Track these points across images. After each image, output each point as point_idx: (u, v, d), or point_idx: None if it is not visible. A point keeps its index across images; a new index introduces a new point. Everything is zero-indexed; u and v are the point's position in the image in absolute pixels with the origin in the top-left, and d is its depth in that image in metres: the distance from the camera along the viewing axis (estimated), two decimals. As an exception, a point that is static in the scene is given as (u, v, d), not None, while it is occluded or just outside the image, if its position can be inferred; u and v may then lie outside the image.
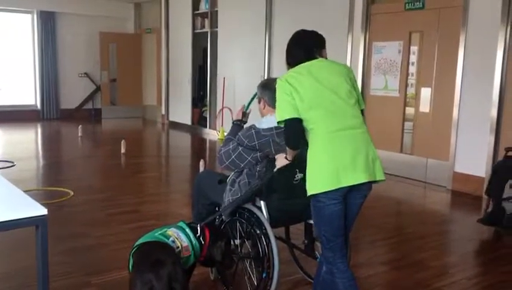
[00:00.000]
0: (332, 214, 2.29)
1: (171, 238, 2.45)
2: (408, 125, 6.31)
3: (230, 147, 2.77)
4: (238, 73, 8.94)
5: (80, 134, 9.00)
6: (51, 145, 8.73)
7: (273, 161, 2.65)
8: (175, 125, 10.63)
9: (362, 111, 2.48)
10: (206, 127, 9.92)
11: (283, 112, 2.32)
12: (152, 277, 2.08)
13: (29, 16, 11.04)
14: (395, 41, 6.26)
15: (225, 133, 9.08)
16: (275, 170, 2.60)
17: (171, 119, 10.99)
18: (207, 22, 9.64)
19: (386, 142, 6.47)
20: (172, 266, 2.14)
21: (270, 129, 2.64)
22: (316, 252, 2.95)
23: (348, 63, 6.79)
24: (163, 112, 11.24)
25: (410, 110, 6.28)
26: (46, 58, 11.08)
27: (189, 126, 10.26)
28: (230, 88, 9.09)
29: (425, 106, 6.01)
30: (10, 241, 3.50)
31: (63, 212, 4.45)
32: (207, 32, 9.65)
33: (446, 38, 5.70)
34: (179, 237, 2.49)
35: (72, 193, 4.95)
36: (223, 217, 2.86)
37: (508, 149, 4.38)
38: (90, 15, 11.42)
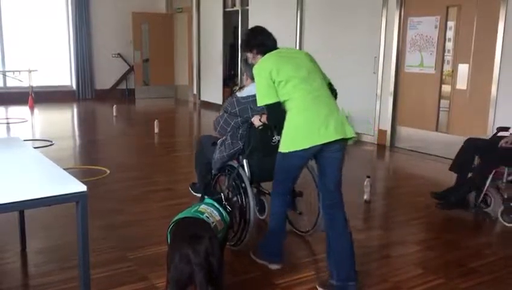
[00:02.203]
0: (294, 166, 2.81)
1: (205, 214, 2.50)
2: (444, 103, 6.15)
3: (220, 114, 3.28)
4: (269, 51, 8.87)
5: (114, 114, 9.19)
6: (87, 125, 8.95)
7: (252, 125, 3.12)
8: (206, 105, 10.69)
9: (329, 82, 2.93)
10: (237, 106, 9.94)
11: (264, 96, 2.74)
12: (190, 252, 2.14)
13: (63, -3, 11.22)
14: (431, 16, 6.07)
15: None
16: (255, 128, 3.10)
17: (202, 98, 11.06)
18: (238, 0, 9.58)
19: (421, 121, 6.35)
20: (209, 241, 2.20)
21: (248, 97, 3.14)
22: (297, 205, 3.50)
23: (382, 39, 6.65)
24: (194, 91, 11.32)
25: (446, 88, 6.12)
26: (80, 39, 11.28)
27: (220, 105, 10.30)
28: (262, 67, 9.04)
29: (462, 83, 5.84)
30: (51, 216, 3.64)
31: (99, 190, 4.58)
32: (238, 10, 9.60)
33: (485, 13, 5.49)
34: (212, 212, 2.57)
35: (108, 171, 5.08)
36: (213, 171, 3.38)
37: (500, 129, 4.19)
38: (123, -5, 11.51)
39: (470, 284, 2.87)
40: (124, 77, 12.02)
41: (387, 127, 6.76)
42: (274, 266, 2.95)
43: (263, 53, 2.90)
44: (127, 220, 3.76)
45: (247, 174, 3.19)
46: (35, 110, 9.77)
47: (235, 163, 3.25)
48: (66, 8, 11.25)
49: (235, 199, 3.13)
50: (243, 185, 3.14)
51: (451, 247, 3.40)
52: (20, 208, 1.91)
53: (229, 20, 10.04)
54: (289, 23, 8.22)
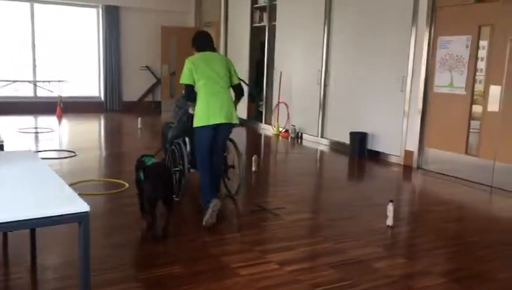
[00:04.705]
0: (203, 137, 4.12)
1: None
2: (474, 125, 5.91)
3: (173, 108, 4.95)
4: (295, 67, 8.80)
5: (139, 126, 9.22)
6: (112, 137, 9.00)
7: (186, 113, 4.54)
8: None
9: (239, 84, 4.37)
10: (261, 121, 9.86)
11: (184, 79, 4.12)
12: (159, 182, 3.61)
13: (94, 10, 11.44)
14: (462, 36, 5.87)
15: (280, 129, 9.01)
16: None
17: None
18: (265, 15, 9.56)
19: (449, 143, 6.12)
20: (168, 175, 3.80)
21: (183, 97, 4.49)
22: (228, 174, 4.88)
23: (411, 59, 6.48)
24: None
25: (477, 109, 5.88)
26: (109, 51, 11.45)
27: (245, 120, 10.25)
28: (287, 83, 8.97)
29: (494, 105, 5.60)
30: (64, 229, 3.59)
31: (116, 204, 4.53)
32: (265, 26, 9.56)
33: (520, 32, 5.27)
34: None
35: (127, 185, 5.03)
36: (167, 146, 4.81)
37: None
38: (153, 9, 11.66)
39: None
40: (151, 90, 12.12)
41: (414, 147, 6.54)
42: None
43: (198, 51, 4.26)
44: (140, 237, 3.68)
45: (188, 147, 4.55)
46: (63, 120, 9.91)
47: (179, 140, 4.59)
48: (97, 21, 11.47)
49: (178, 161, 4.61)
50: (183, 156, 4.53)
51: (480, 280, 3.19)
52: (13, 228, 1.82)
53: (256, 35, 10.01)
54: (316, 39, 8.13)
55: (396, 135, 6.77)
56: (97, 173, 5.79)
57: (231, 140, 4.56)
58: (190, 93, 4.14)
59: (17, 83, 10.69)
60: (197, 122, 4.08)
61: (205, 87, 4.05)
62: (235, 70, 4.30)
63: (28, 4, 10.69)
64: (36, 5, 10.79)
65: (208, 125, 4.04)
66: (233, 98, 4.33)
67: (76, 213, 1.92)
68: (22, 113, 10.34)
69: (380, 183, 5.87)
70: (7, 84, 10.44)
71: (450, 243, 3.86)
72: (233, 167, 4.78)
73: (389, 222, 4.11)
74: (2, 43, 10.64)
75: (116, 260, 3.22)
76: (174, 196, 4.06)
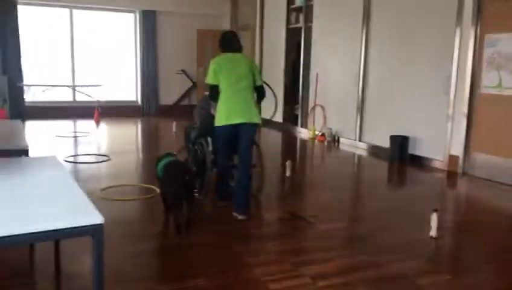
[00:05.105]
0: (223, 136, 4.25)
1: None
2: (526, 128, 5.51)
3: (196, 109, 5.17)
4: (332, 69, 8.54)
5: (174, 130, 9.19)
6: (146, 141, 9.00)
7: (208, 114, 4.58)
8: (266, 123, 10.43)
9: (262, 86, 4.39)
10: (297, 125, 9.64)
11: (210, 79, 4.22)
12: (182, 180, 3.74)
13: (132, 15, 11.54)
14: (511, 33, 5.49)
15: (316, 132, 8.76)
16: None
17: (262, 116, 10.80)
18: (301, 16, 9.34)
19: (498, 147, 5.73)
20: (188, 173, 3.89)
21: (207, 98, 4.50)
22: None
23: (455, 58, 6.12)
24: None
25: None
26: (146, 55, 11.52)
27: (281, 124, 10.06)
28: (324, 84, 8.72)
29: (548, 107, 5.19)
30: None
31: (145, 210, 4.43)
32: (301, 27, 9.35)
33: None
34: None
35: (158, 190, 4.93)
36: (190, 146, 4.92)
37: None
38: (189, 13, 11.66)
39: None
40: (187, 93, 12.12)
41: (459, 152, 6.16)
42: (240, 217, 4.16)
43: (223, 52, 4.33)
44: (167, 246, 3.55)
45: (210, 146, 4.63)
46: (101, 124, 10.00)
47: (202, 140, 4.70)
48: (134, 25, 11.57)
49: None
50: (205, 155, 4.63)
51: (534, 301, 2.87)
52: (15, 244, 1.70)
53: (292, 36, 9.81)
54: (354, 39, 7.85)
55: (440, 138, 6.40)
56: (129, 177, 5.73)
57: (255, 143, 4.52)
58: (214, 94, 4.23)
59: (57, 87, 10.90)
60: (218, 122, 4.20)
61: (228, 88, 4.16)
62: (259, 72, 4.42)
63: (67, 10, 10.89)
64: (75, 11, 10.97)
65: (228, 125, 4.14)
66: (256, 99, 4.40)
67: (89, 226, 1.78)
68: (61, 117, 10.52)
69: (422, 190, 5.55)
70: (46, 89, 10.66)
71: (501, 257, 3.54)
72: (254, 166, 4.71)
73: (433, 232, 3.82)
74: (42, 48, 10.88)
75: (139, 271, 3.09)
76: (195, 194, 4.29)
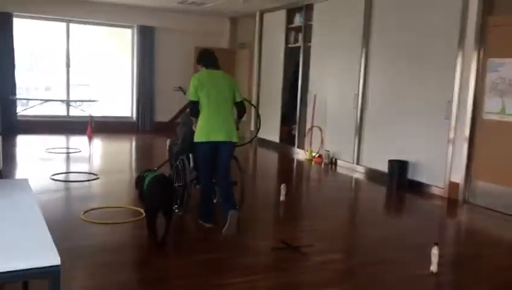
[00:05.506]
0: (203, 152, 4.30)
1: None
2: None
3: (179, 126, 5.13)
4: (330, 90, 8.37)
5: (167, 148, 8.94)
6: (139, 158, 8.78)
7: (190, 130, 4.52)
8: (263, 143, 10.26)
9: (242, 101, 4.46)
10: (294, 145, 9.43)
11: (191, 95, 4.25)
12: (160, 193, 3.86)
13: (129, 30, 11.41)
14: (516, 58, 5.32)
15: (313, 154, 8.55)
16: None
17: (259, 135, 10.63)
18: (300, 36, 9.21)
19: (500, 175, 5.51)
20: (169, 187, 3.99)
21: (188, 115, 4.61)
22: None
23: (457, 83, 5.94)
24: (252, 128, 10.94)
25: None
26: (143, 71, 11.36)
27: (277, 144, 9.85)
28: (322, 106, 8.54)
29: (553, 135, 4.99)
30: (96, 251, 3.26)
31: (129, 235, 4.19)
32: (299, 46, 9.21)
33: None
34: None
35: (144, 214, 4.69)
36: (172, 162, 4.99)
37: None
38: (187, 30, 11.53)
39: None
40: (183, 110, 11.89)
41: (460, 179, 5.95)
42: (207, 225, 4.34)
43: (204, 67, 4.39)
44: (151, 277, 3.30)
45: (192, 162, 4.65)
46: (94, 140, 9.77)
47: (183, 156, 4.66)
48: (132, 41, 11.42)
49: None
50: (186, 170, 4.59)
51: None
52: None
53: (291, 56, 9.66)
54: (353, 60, 7.69)
55: (440, 164, 6.19)
56: (117, 198, 5.47)
57: (234, 157, 4.55)
58: (195, 110, 4.26)
59: (51, 102, 10.71)
60: (198, 138, 4.24)
61: (208, 105, 4.19)
62: (238, 90, 4.44)
63: (64, 24, 10.75)
64: (72, 25, 10.84)
65: (208, 142, 4.20)
66: (236, 116, 4.48)
67: (45, 267, 1.55)
68: (54, 132, 10.28)
69: (421, 219, 5.31)
70: (40, 104, 10.46)
71: (506, 297, 3.30)
72: (236, 183, 4.63)
73: (433, 267, 3.59)
74: (37, 62, 10.71)
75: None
76: (174, 208, 4.36)
